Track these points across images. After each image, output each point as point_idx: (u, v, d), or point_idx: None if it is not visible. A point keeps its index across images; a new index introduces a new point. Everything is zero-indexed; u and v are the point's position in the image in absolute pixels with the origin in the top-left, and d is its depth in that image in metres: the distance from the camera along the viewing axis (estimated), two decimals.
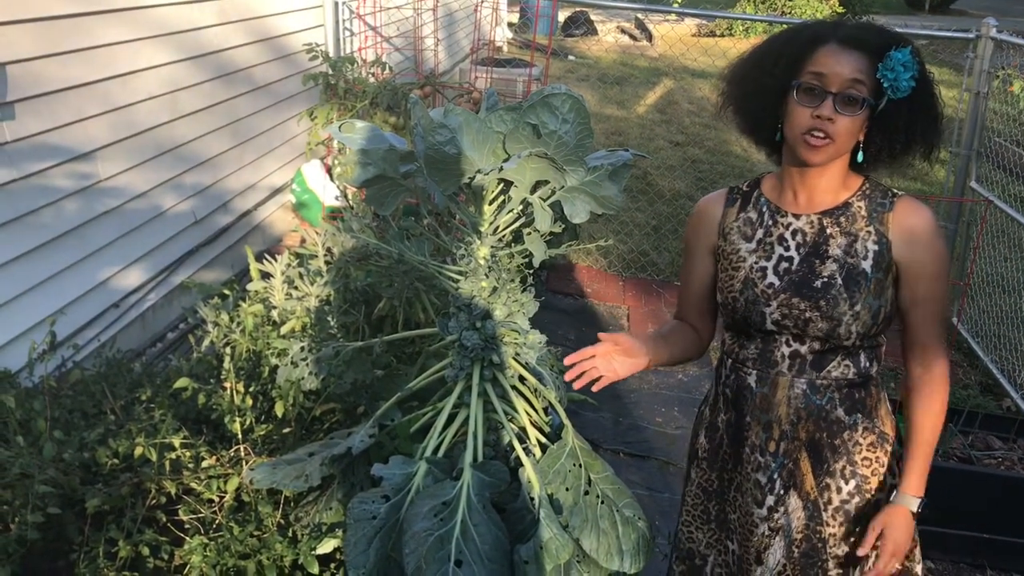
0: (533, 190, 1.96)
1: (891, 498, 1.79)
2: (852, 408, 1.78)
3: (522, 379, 2.23)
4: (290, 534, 2.28)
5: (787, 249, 1.77)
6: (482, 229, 2.01)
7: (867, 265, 1.71)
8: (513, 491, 1.99)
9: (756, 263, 1.79)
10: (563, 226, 2.13)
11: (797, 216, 1.77)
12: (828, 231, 1.74)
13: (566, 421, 2.18)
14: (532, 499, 1.93)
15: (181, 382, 2.61)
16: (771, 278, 1.77)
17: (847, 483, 1.79)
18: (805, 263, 1.75)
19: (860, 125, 1.66)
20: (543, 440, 2.15)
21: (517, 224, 2.06)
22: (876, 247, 1.71)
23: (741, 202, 1.86)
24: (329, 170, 5.43)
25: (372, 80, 5.51)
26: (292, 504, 2.38)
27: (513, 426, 2.13)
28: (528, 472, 1.96)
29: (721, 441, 1.92)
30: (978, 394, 4.40)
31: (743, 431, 1.86)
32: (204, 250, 4.32)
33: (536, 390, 2.29)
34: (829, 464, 1.79)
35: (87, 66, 3.30)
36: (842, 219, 1.74)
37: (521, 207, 1.99)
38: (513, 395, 2.16)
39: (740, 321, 1.82)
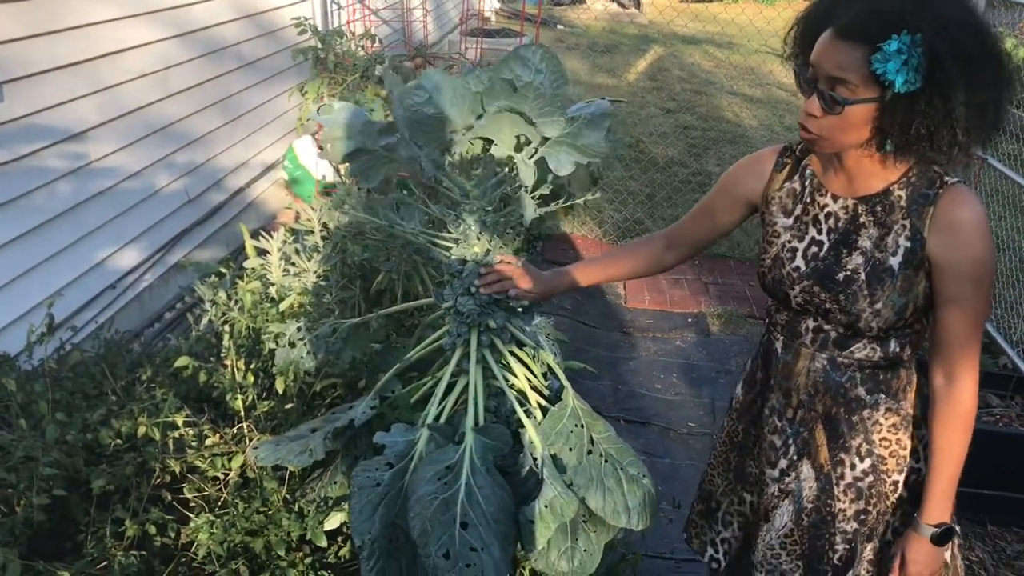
0: (518, 150, 1.95)
1: (912, 523, 1.72)
2: (875, 388, 1.72)
3: (520, 344, 2.23)
4: (296, 509, 2.29)
5: (819, 232, 1.69)
6: (470, 194, 2.00)
7: (895, 262, 1.60)
8: (516, 454, 1.99)
9: (789, 242, 1.73)
10: (551, 187, 2.12)
11: (836, 198, 1.68)
12: (861, 219, 1.64)
13: (565, 383, 2.19)
14: (535, 460, 1.94)
15: (181, 361, 2.61)
16: (799, 261, 1.71)
17: (862, 461, 1.75)
18: (832, 251, 1.67)
19: (860, 120, 1.50)
20: (544, 404, 2.15)
21: (505, 188, 2.05)
22: (908, 243, 1.59)
23: (789, 169, 1.77)
24: (321, 146, 5.40)
25: (362, 53, 5.47)
26: (297, 479, 2.39)
27: (513, 391, 2.13)
28: (530, 433, 1.97)
29: (756, 397, 1.94)
30: None
31: (767, 392, 1.86)
32: (198, 229, 4.30)
33: (534, 355, 2.29)
34: (845, 440, 1.75)
35: (74, 45, 3.27)
36: (878, 208, 1.62)
37: (508, 169, 1.98)
38: (512, 360, 2.16)
39: (768, 293, 1.80)
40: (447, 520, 1.79)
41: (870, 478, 1.75)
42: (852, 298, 1.63)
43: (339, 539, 2.34)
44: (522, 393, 2.14)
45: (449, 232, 2.01)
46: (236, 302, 3.07)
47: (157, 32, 3.84)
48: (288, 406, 2.57)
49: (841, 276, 1.65)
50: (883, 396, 1.73)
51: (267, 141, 5.17)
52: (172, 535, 2.26)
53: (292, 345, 2.45)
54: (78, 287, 3.38)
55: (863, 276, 1.63)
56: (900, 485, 1.76)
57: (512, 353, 2.15)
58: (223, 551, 2.22)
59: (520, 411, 2.01)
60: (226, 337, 2.95)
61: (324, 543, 2.21)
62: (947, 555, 1.78)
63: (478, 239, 1.98)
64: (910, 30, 1.39)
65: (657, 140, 7.93)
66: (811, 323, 1.73)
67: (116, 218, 3.61)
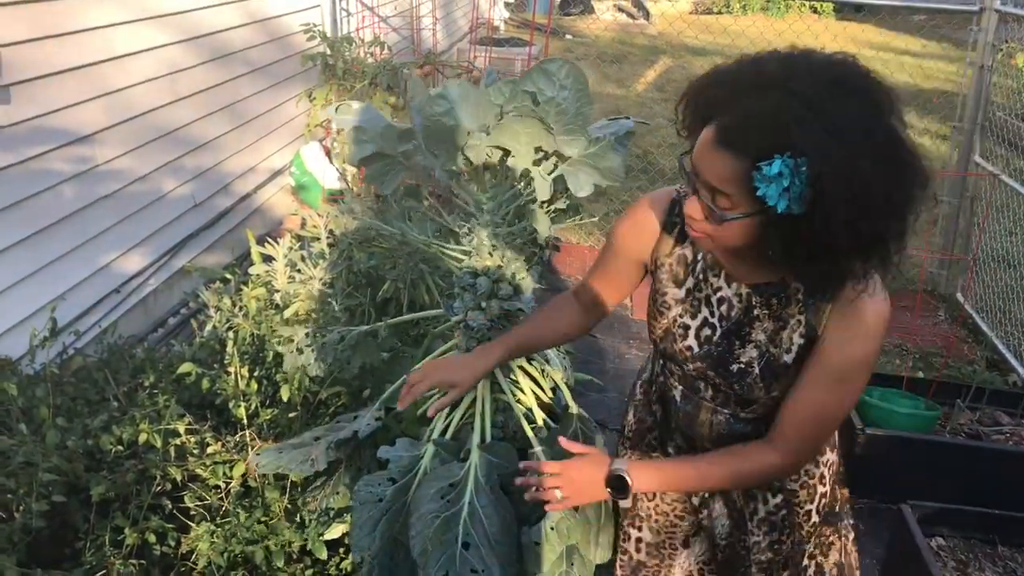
0: (536, 164, 1.93)
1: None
2: None
3: (529, 359, 2.20)
4: (297, 519, 2.26)
5: (712, 315, 1.58)
6: (484, 206, 1.97)
7: (789, 358, 1.50)
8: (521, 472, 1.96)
9: (680, 316, 1.61)
10: (567, 202, 2.10)
11: (730, 281, 1.55)
12: (755, 312, 1.52)
13: (570, 401, 2.16)
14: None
15: (184, 367, 2.59)
16: (691, 340, 1.60)
17: (775, 496, 1.71)
18: (725, 340, 1.56)
19: (741, 232, 1.34)
20: (551, 422, 2.13)
21: (520, 201, 2.03)
22: (802, 340, 1.49)
23: (679, 231, 1.60)
24: (328, 152, 5.39)
25: (371, 60, 5.46)
26: (299, 489, 2.36)
27: (521, 406, 2.10)
28: (538, 452, 1.94)
29: (650, 428, 1.85)
30: (984, 370, 4.38)
31: (667, 431, 1.80)
32: (204, 234, 4.28)
33: (543, 370, 2.27)
34: None
35: (82, 48, 3.26)
36: (774, 300, 1.50)
37: (523, 183, 1.95)
38: (520, 375, 2.14)
39: (661, 356, 1.72)
40: (449, 539, 1.76)
41: (783, 511, 1.72)
42: (748, 388, 1.55)
43: (340, 551, 2.31)
44: (529, 409, 2.12)
45: (461, 244, 1.99)
46: (241, 308, 3.05)
47: (165, 36, 3.83)
48: (292, 414, 2.55)
49: (735, 368, 1.56)
50: None
51: (274, 147, 5.16)
52: (172, 544, 2.23)
53: (300, 351, 2.43)
54: (82, 291, 3.36)
55: (757, 370, 1.53)
56: (813, 512, 1.73)
57: (521, 368, 2.12)
58: (223, 561, 2.19)
59: (528, 429, 1.98)
60: (230, 344, 2.93)
61: (324, 555, 2.18)
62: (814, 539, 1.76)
63: (491, 253, 1.95)
64: (794, 152, 1.19)
65: (665, 151, 7.90)
66: (710, 388, 1.64)
67: (122, 222, 3.59)
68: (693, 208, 1.37)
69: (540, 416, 2.13)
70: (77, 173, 3.27)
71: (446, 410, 2.02)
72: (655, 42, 14.47)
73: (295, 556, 2.23)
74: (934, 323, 5.05)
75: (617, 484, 1.58)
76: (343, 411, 2.68)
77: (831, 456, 1.73)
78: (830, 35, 8.87)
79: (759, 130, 1.23)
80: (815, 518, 1.74)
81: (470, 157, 1.81)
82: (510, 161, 1.88)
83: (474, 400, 2.05)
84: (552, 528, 1.81)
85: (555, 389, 2.27)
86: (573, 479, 1.60)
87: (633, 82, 11.11)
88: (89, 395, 2.70)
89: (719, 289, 1.55)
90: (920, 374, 4.08)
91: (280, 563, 2.16)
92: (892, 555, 2.99)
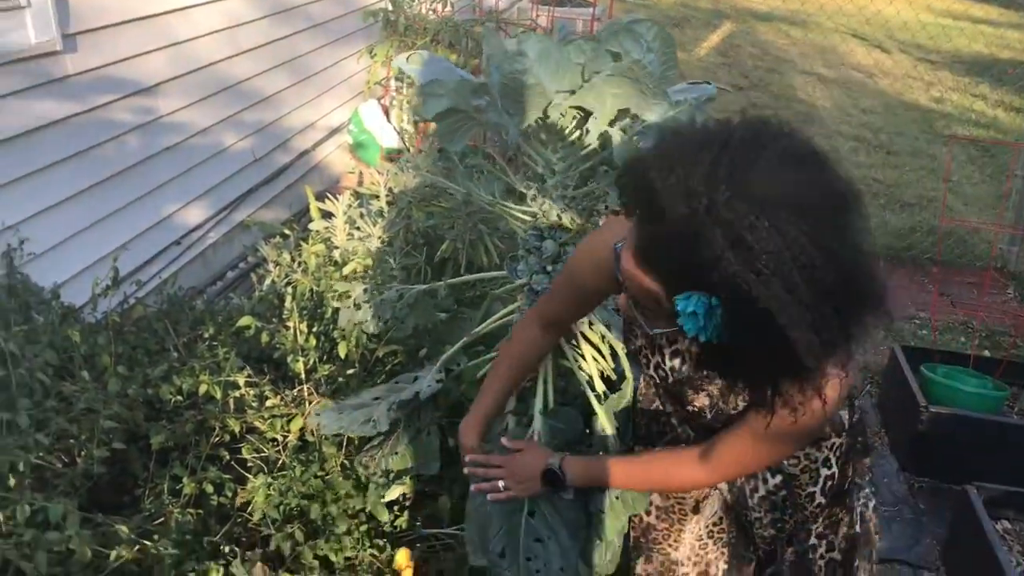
0: (611, 125, 1.86)
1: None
2: None
3: (590, 324, 2.15)
4: (354, 477, 2.25)
5: (663, 362, 1.58)
6: (555, 167, 1.92)
7: (737, 411, 1.51)
8: (584, 440, 1.93)
9: (645, 347, 1.61)
10: None
11: (685, 337, 1.44)
12: (705, 372, 1.51)
13: (628, 370, 2.11)
14: (607, 447, 1.87)
15: (244, 320, 2.58)
16: (652, 371, 1.62)
17: (773, 476, 1.69)
18: (679, 385, 1.58)
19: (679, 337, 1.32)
20: (608, 391, 2.08)
21: (593, 162, 1.97)
22: (746, 403, 1.49)
23: None
24: (386, 111, 5.35)
25: (432, 16, 5.39)
26: (356, 445, 2.35)
27: (583, 373, 2.06)
28: (601, 420, 1.90)
29: (655, 398, 1.82)
30: None
31: (663, 413, 1.79)
32: (263, 189, 4.29)
33: (603, 336, 2.22)
34: None
35: None
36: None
37: (599, 143, 1.89)
38: (582, 342, 2.09)
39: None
40: (514, 508, 1.77)
41: (783, 492, 1.70)
42: (707, 425, 1.57)
43: (395, 508, 2.30)
44: (591, 376, 2.07)
45: (528, 206, 1.94)
46: (299, 264, 3.04)
47: None
48: (350, 371, 2.53)
49: (690, 408, 1.59)
50: None
51: (333, 104, 5.14)
52: (229, 495, 2.24)
53: (357, 307, 2.41)
54: (143, 241, 3.38)
55: (709, 416, 1.56)
56: (817, 494, 1.70)
57: (583, 335, 2.07)
58: (279, 514, 2.19)
59: (591, 395, 1.94)
60: (288, 299, 2.93)
61: (385, 516, 2.17)
62: (846, 518, 1.77)
63: (559, 216, 1.90)
64: (709, 290, 1.09)
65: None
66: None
67: (183, 174, 3.60)
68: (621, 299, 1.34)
69: (600, 384, 2.09)
70: (140, 124, 3.28)
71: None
72: (719, 5, 14.14)
73: (350, 512, 2.22)
74: (1003, 301, 4.89)
75: (551, 478, 1.69)
76: (399, 370, 2.67)
77: (837, 440, 1.69)
78: (904, 1, 8.58)
79: (673, 262, 1.12)
80: (820, 499, 1.71)
81: (550, 116, 1.75)
82: (590, 123, 1.81)
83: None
84: (617, 498, 1.78)
85: (615, 356, 2.22)
86: (514, 472, 1.73)
87: (695, 46, 10.88)
88: (149, 345, 2.71)
89: (674, 342, 1.55)
90: (987, 353, 3.96)
91: (340, 524, 2.15)
92: (954, 537, 2.91)
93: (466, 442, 1.84)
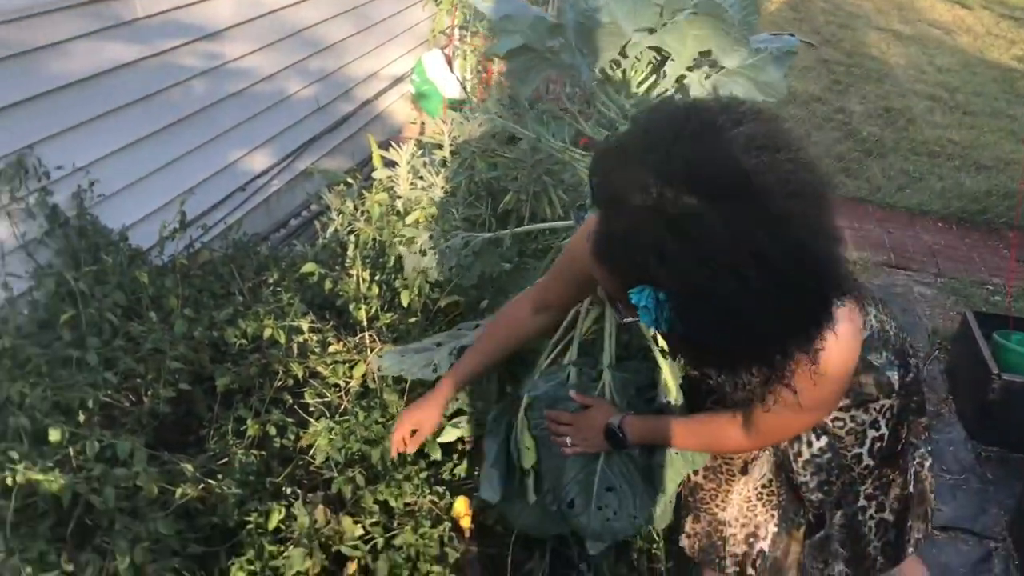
0: (689, 70, 1.79)
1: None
2: None
3: None
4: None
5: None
6: (628, 114, 1.86)
7: (756, 382, 1.48)
8: (649, 395, 1.90)
9: None
10: None
11: None
12: None
13: None
14: (668, 403, 1.83)
15: (308, 267, 2.59)
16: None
17: (818, 439, 1.68)
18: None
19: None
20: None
21: None
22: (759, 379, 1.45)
23: None
24: (450, 61, 5.30)
25: None
26: (418, 393, 2.34)
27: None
28: (665, 375, 1.86)
29: None
30: None
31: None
32: (326, 137, 4.28)
33: None
34: None
35: None
36: None
37: (675, 89, 1.82)
38: None
39: None
40: (589, 456, 1.78)
41: (828, 455, 1.68)
42: (732, 394, 1.60)
43: (455, 456, 2.30)
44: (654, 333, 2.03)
45: None
46: (363, 213, 3.03)
47: None
48: (412, 320, 2.53)
49: (711, 383, 1.66)
50: None
51: (397, 53, 5.09)
52: (291, 438, 2.26)
53: (423, 253, 2.39)
54: (209, 187, 3.40)
55: (727, 388, 1.59)
56: (864, 455, 1.69)
57: None
58: (340, 457, 2.20)
59: (656, 351, 1.89)
60: (351, 247, 2.92)
61: (438, 455, 2.17)
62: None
63: None
64: (655, 284, 1.08)
65: (798, 74, 7.51)
66: None
67: (248, 121, 3.60)
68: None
69: (662, 340, 2.05)
70: (206, 69, 3.28)
71: (579, 329, 1.97)
72: None
73: (410, 459, 2.22)
74: None
75: (612, 436, 1.72)
76: (460, 321, 2.65)
77: (886, 401, 1.66)
78: None
79: (622, 255, 1.12)
80: (868, 461, 1.70)
81: (627, 55, 1.69)
82: (668, 67, 1.75)
83: (600, 315, 1.97)
84: (677, 453, 1.75)
85: None
86: (581, 429, 1.76)
87: (765, 0, 10.57)
88: (214, 288, 2.74)
89: None
90: None
91: (400, 470, 2.16)
92: (1022, 508, 2.83)
93: (427, 419, 1.83)
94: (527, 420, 1.89)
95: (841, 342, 1.31)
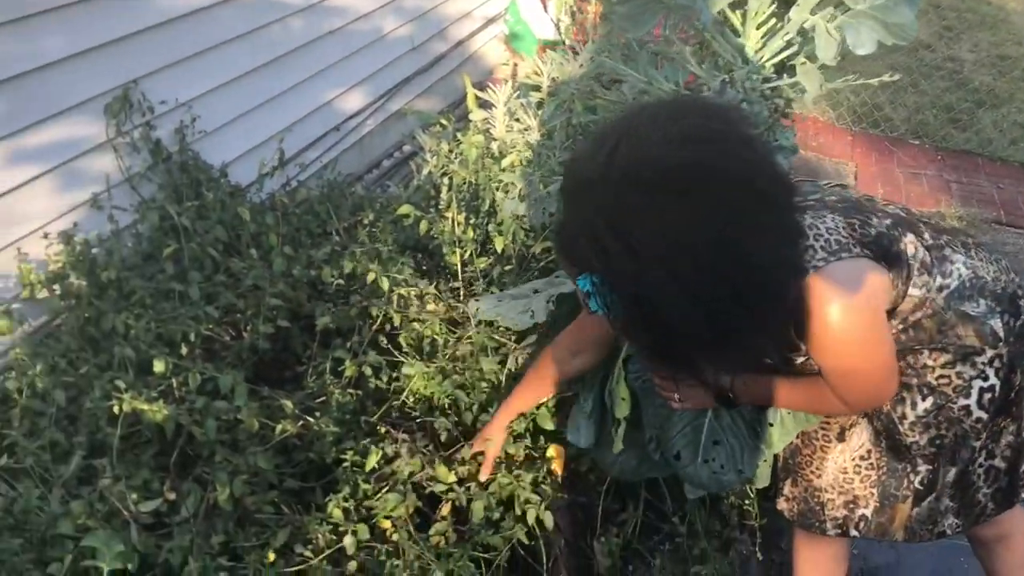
0: (813, 13, 1.69)
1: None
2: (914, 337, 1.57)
3: None
4: (508, 369, 2.22)
5: None
6: (747, 57, 1.76)
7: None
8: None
9: None
10: (836, 60, 1.85)
11: None
12: None
13: None
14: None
15: (404, 209, 2.57)
16: None
17: (924, 400, 1.63)
18: None
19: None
20: None
21: (787, 53, 1.80)
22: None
23: None
24: (544, 1, 5.18)
25: None
26: (512, 340, 2.32)
27: None
28: None
29: None
30: None
31: None
32: (420, 78, 4.24)
33: None
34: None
35: None
36: None
37: (797, 33, 1.72)
38: None
39: None
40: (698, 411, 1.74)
41: (935, 412, 1.64)
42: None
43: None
44: None
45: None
46: (457, 155, 3.00)
47: None
48: (507, 267, 2.49)
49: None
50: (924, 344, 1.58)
51: None
52: (385, 379, 2.26)
53: (522, 199, 2.35)
54: (305, 126, 3.41)
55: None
56: (973, 407, 1.62)
57: None
58: (435, 401, 2.20)
59: None
60: (444, 189, 2.90)
61: (550, 426, 2.14)
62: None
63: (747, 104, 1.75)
64: (594, 272, 1.17)
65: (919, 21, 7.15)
66: None
67: (344, 59, 3.58)
68: None
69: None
70: (305, 6, 3.26)
71: None
72: None
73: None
74: None
75: (722, 396, 1.67)
76: (553, 268, 2.61)
77: (991, 352, 1.59)
78: None
79: (567, 244, 1.22)
80: (978, 412, 1.63)
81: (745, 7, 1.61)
82: (792, 11, 1.65)
83: None
84: (789, 413, 1.69)
85: None
86: (689, 387, 1.71)
87: None
88: (311, 227, 2.75)
89: None
90: None
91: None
92: None
93: (494, 441, 1.98)
94: (624, 371, 1.85)
95: (830, 303, 1.34)
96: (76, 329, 2.25)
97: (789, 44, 1.76)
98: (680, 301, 1.10)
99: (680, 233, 1.08)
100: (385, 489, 1.94)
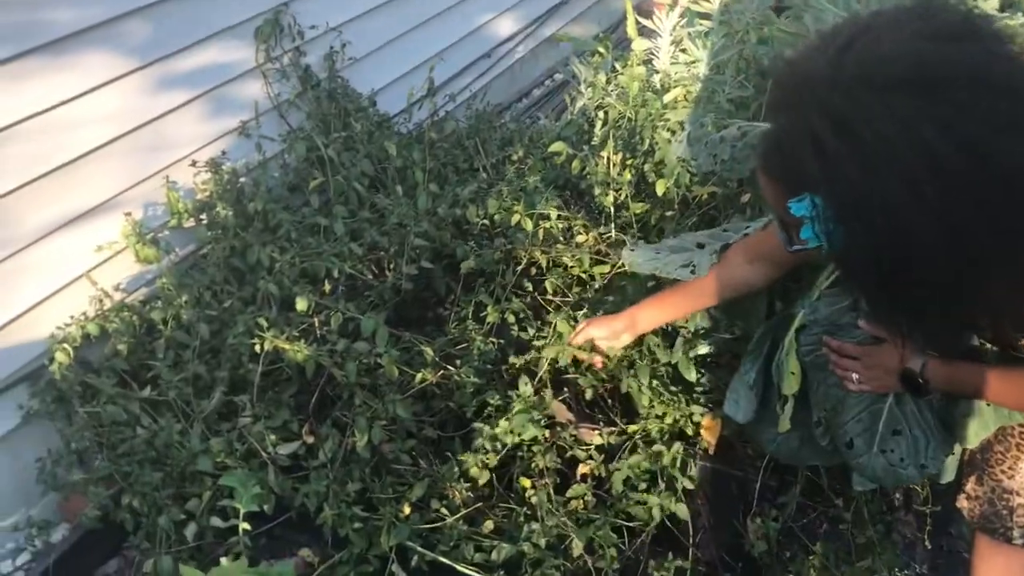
0: None
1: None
2: None
3: None
4: (662, 329, 2.06)
5: None
6: None
7: None
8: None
9: None
10: None
11: None
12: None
13: None
14: (981, 345, 1.55)
15: (556, 146, 2.40)
16: None
17: None
18: None
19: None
20: None
21: None
22: None
23: None
24: None
25: None
26: None
27: None
28: None
29: None
30: None
31: None
32: (573, 2, 4.02)
33: None
34: None
35: None
36: None
37: None
38: None
39: None
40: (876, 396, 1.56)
41: None
42: None
43: (703, 371, 2.10)
44: None
45: None
46: (615, 87, 2.79)
47: None
48: (668, 213, 2.30)
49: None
50: None
51: None
52: (528, 330, 2.14)
53: (690, 143, 2.15)
54: (455, 52, 3.28)
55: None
56: None
57: None
58: (585, 349, 2.06)
59: None
60: (600, 124, 2.71)
61: (692, 377, 1.98)
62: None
63: None
64: (815, 190, 0.96)
65: None
66: None
67: None
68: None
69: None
70: None
71: None
72: None
73: (656, 367, 2.05)
74: None
75: (910, 381, 1.48)
76: (714, 214, 2.41)
77: None
78: None
79: (783, 160, 1.02)
80: None
81: None
82: None
83: None
84: (989, 404, 1.48)
85: None
86: (870, 366, 1.54)
87: None
88: (458, 162, 2.64)
89: None
90: None
91: (643, 374, 1.99)
92: None
93: (606, 338, 1.83)
94: (795, 343, 1.67)
95: None
96: (221, 260, 2.23)
97: None
98: (921, 220, 0.91)
99: (927, 140, 0.89)
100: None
